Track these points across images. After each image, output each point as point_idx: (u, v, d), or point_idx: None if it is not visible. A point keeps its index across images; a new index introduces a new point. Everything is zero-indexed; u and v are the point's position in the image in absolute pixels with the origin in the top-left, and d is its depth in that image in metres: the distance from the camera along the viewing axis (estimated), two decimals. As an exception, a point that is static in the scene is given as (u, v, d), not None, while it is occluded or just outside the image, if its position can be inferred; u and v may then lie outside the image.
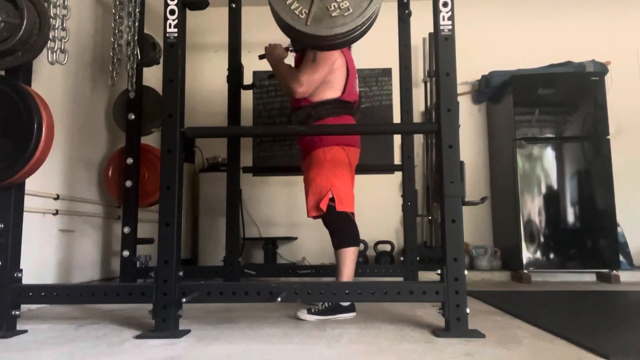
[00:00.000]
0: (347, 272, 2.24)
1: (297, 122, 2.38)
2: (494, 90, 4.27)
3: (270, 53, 2.48)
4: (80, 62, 3.01)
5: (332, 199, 2.27)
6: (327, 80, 2.34)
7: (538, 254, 3.73)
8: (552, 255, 3.73)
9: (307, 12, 1.73)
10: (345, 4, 1.74)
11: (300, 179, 4.41)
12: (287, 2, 1.75)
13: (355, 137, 2.44)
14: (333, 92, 2.36)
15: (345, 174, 2.35)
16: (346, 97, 2.39)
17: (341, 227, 2.29)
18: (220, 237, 3.22)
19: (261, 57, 2.59)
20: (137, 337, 1.80)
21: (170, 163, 1.91)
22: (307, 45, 2.22)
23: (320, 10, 1.74)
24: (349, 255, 2.25)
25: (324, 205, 2.27)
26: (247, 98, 3.92)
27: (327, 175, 2.31)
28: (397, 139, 4.15)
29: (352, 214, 2.35)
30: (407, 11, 3.06)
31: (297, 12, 1.74)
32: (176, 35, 1.95)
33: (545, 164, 3.85)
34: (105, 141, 3.32)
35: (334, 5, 1.74)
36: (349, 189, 2.36)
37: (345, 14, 1.73)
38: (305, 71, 2.30)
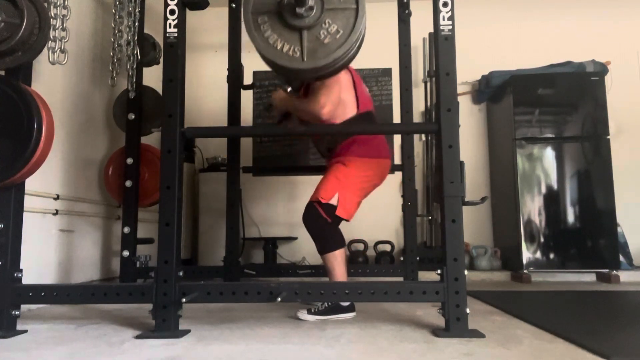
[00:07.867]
0: (339, 274, 2.21)
1: (326, 148, 2.35)
2: (494, 90, 4.27)
3: (278, 98, 2.44)
4: (80, 62, 3.02)
5: (329, 206, 2.23)
6: (341, 99, 2.28)
7: (538, 254, 3.73)
8: (552, 255, 3.73)
9: (299, 49, 1.70)
10: (334, 27, 1.70)
11: (300, 178, 4.43)
12: (277, 47, 1.71)
13: (381, 146, 2.40)
14: (349, 109, 2.32)
15: (359, 183, 2.31)
16: (362, 108, 2.35)
17: (322, 232, 2.24)
18: (220, 237, 3.22)
19: (269, 107, 2.55)
20: (137, 337, 1.80)
21: (170, 163, 1.91)
22: (310, 79, 2.16)
23: (311, 42, 1.70)
24: (336, 258, 2.21)
25: (317, 202, 2.24)
26: (247, 98, 3.92)
27: (336, 181, 2.28)
28: (397, 139, 4.14)
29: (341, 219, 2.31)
30: (407, 11, 3.06)
31: (290, 52, 1.70)
32: (176, 35, 1.95)
33: (545, 164, 3.85)
34: (105, 141, 3.32)
35: (323, 33, 1.70)
36: (354, 199, 2.31)
37: (337, 37, 1.70)
38: (321, 94, 2.17)
